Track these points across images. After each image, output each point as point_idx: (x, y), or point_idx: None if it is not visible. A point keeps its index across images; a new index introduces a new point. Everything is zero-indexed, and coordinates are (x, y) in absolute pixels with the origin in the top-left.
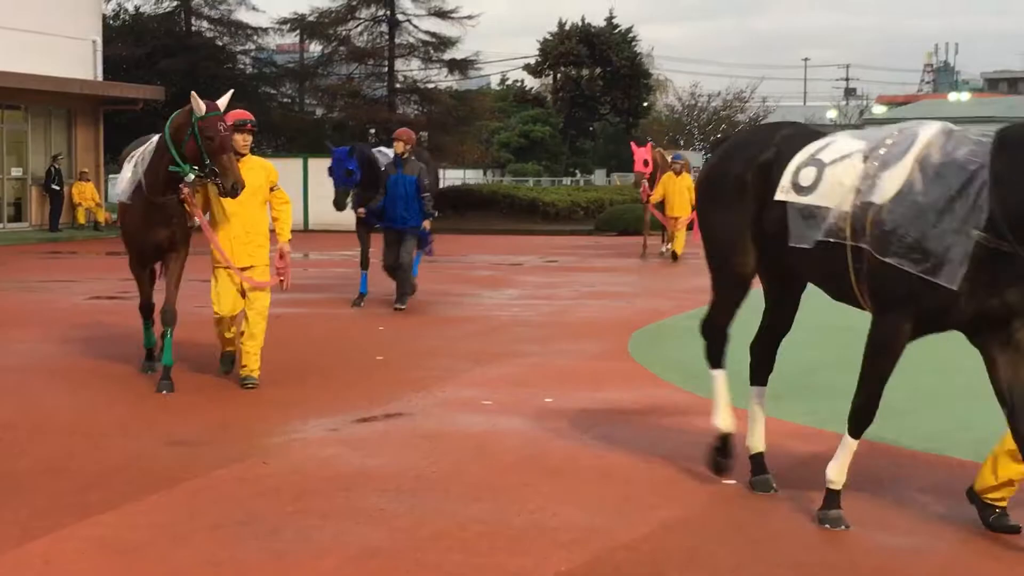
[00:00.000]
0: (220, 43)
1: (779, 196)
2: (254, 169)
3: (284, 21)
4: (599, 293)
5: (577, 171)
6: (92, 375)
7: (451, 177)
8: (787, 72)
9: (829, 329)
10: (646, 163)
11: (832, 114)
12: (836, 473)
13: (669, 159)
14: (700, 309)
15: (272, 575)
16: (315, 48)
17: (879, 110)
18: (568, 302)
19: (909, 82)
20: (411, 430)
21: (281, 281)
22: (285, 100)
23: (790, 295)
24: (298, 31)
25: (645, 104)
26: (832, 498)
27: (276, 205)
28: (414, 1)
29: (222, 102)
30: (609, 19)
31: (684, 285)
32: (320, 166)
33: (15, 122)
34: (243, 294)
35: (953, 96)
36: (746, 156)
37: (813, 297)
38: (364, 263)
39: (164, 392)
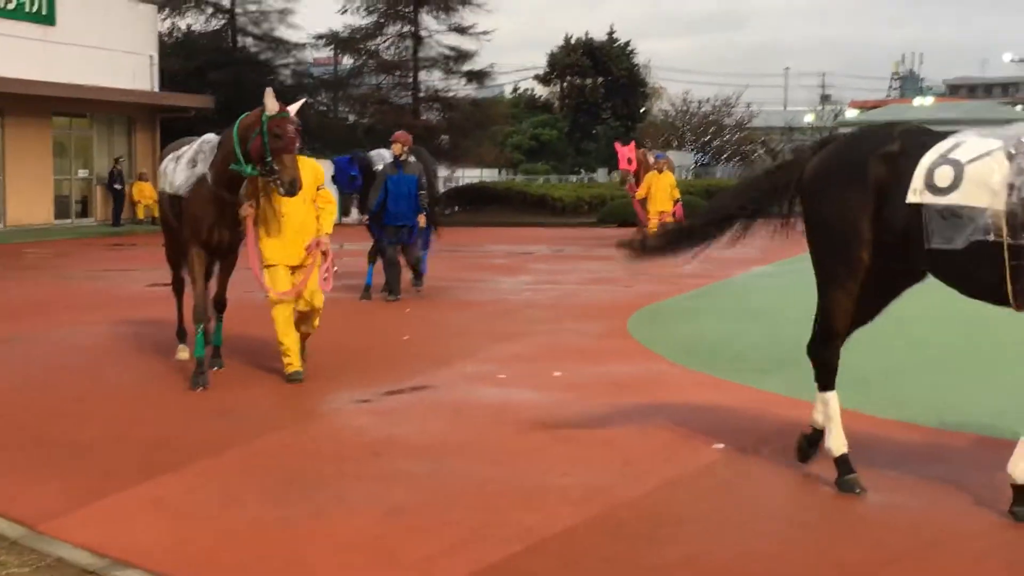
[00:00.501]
0: (263, 57)
1: (912, 199)
2: (304, 169)
3: (320, 37)
4: (602, 279)
5: (582, 170)
6: (151, 354)
7: (469, 176)
8: (769, 80)
9: (812, 311)
10: (630, 161)
11: (810, 118)
12: None
13: (652, 158)
14: (693, 292)
15: (312, 531)
16: (347, 61)
17: (851, 114)
18: (574, 287)
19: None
20: (435, 401)
21: (325, 279)
22: (321, 108)
23: (884, 295)
24: (332, 46)
25: (642, 110)
26: None
27: (320, 204)
28: (436, 19)
29: (293, 107)
30: (610, 34)
31: (676, 271)
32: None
33: (82, 128)
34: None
35: (918, 101)
36: (868, 147)
37: (804, 281)
38: (372, 257)
39: (201, 388)
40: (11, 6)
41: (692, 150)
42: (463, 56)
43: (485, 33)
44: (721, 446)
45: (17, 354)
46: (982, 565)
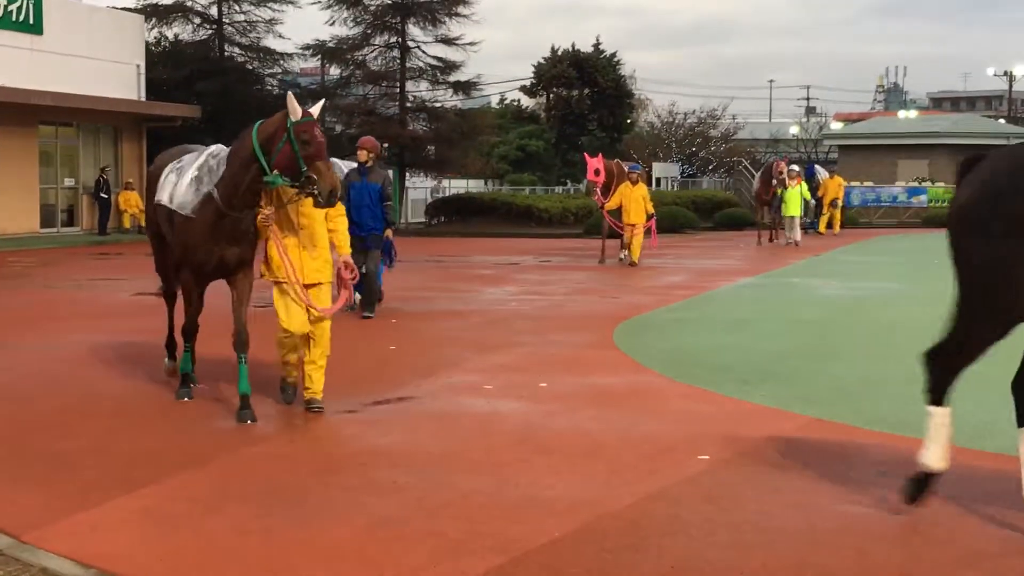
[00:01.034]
0: (250, 67)
1: None
2: None
3: (307, 47)
4: (587, 290)
5: (568, 181)
6: (136, 365)
7: (455, 186)
8: (754, 92)
9: (795, 322)
10: (597, 172)
11: (795, 130)
12: None
13: (626, 169)
14: (678, 303)
15: (295, 541)
16: (335, 71)
17: (836, 126)
18: (560, 298)
19: (863, 101)
20: (420, 412)
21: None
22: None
23: None
24: (319, 56)
25: (628, 121)
26: None
27: (333, 216)
28: (423, 30)
29: (315, 109)
30: (596, 45)
31: (662, 282)
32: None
33: (68, 137)
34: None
35: (902, 113)
36: None
37: (787, 294)
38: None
39: (249, 421)
40: None
41: (678, 161)
42: (450, 67)
43: (472, 44)
44: (706, 457)
45: (0, 364)
46: (964, 574)
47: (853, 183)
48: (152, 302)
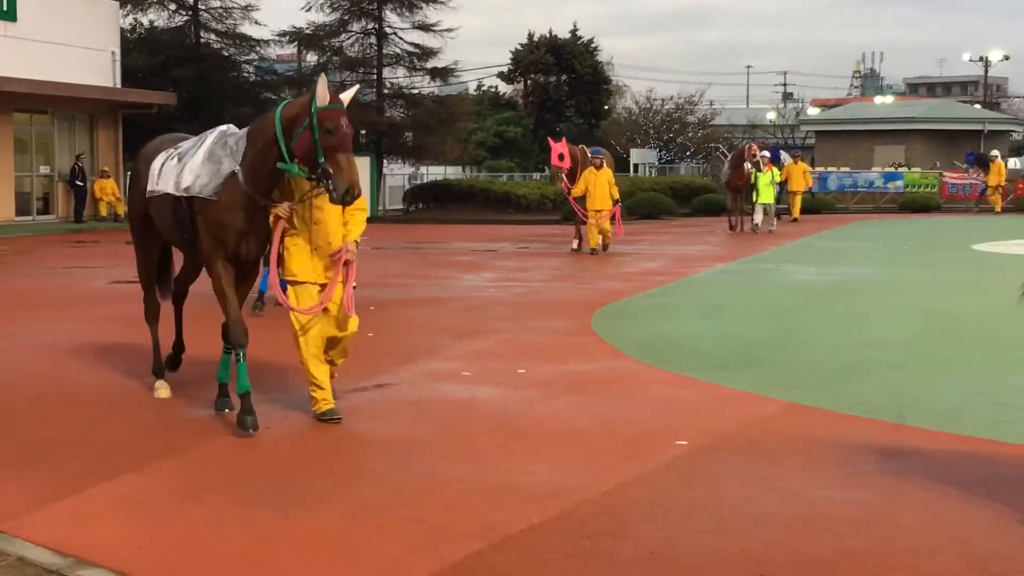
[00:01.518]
0: (226, 53)
1: None
2: None
3: (284, 34)
4: (565, 276)
5: (546, 167)
6: (113, 353)
7: (433, 173)
8: (732, 78)
9: (772, 308)
10: (561, 157)
11: (772, 115)
12: None
13: (589, 154)
14: (656, 289)
15: (274, 529)
16: (311, 58)
17: (813, 112)
18: (538, 284)
19: (840, 87)
20: (399, 399)
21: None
22: None
23: None
24: (296, 43)
25: (606, 107)
26: None
27: (351, 210)
28: (400, 16)
29: (346, 96)
30: (573, 31)
31: (640, 269)
32: None
33: (43, 125)
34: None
35: (879, 99)
36: None
37: (765, 280)
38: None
39: (252, 432)
40: None
41: (655, 147)
42: (427, 53)
43: (449, 30)
44: (684, 443)
45: None
46: (938, 559)
47: (830, 168)
48: (129, 290)
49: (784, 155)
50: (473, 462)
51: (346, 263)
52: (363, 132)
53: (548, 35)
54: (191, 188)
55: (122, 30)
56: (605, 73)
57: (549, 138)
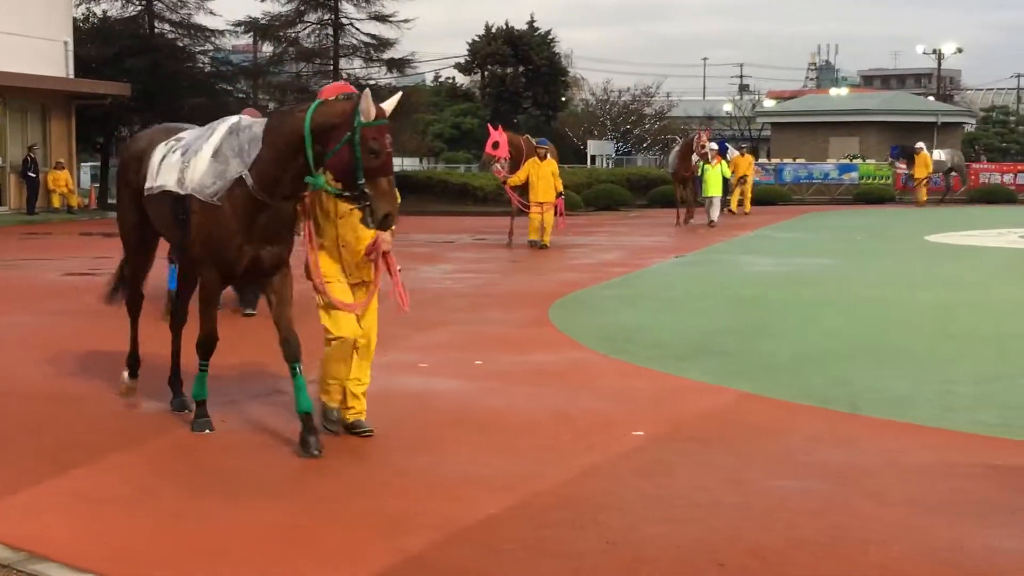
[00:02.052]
0: (181, 44)
1: None
2: None
3: (239, 24)
4: (523, 267)
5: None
6: (67, 346)
7: None
8: (688, 70)
9: (729, 299)
10: (496, 145)
11: (728, 107)
12: None
13: (535, 143)
14: (613, 280)
15: (231, 521)
16: (267, 48)
17: (769, 104)
18: (495, 275)
19: (795, 79)
20: None
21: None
22: (240, 96)
23: None
24: (251, 33)
25: (563, 99)
26: None
27: None
28: (356, 6)
29: (389, 105)
30: (530, 23)
31: (597, 260)
32: None
33: None
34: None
35: (834, 91)
36: None
37: (721, 271)
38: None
39: (316, 454)
40: None
41: (613, 139)
42: (384, 44)
43: (406, 21)
44: (641, 433)
45: None
46: (888, 548)
47: (786, 160)
48: (83, 282)
49: (731, 148)
50: (430, 454)
51: (384, 255)
52: None
53: (505, 27)
54: (192, 187)
55: (75, 20)
56: (562, 65)
57: (488, 124)
